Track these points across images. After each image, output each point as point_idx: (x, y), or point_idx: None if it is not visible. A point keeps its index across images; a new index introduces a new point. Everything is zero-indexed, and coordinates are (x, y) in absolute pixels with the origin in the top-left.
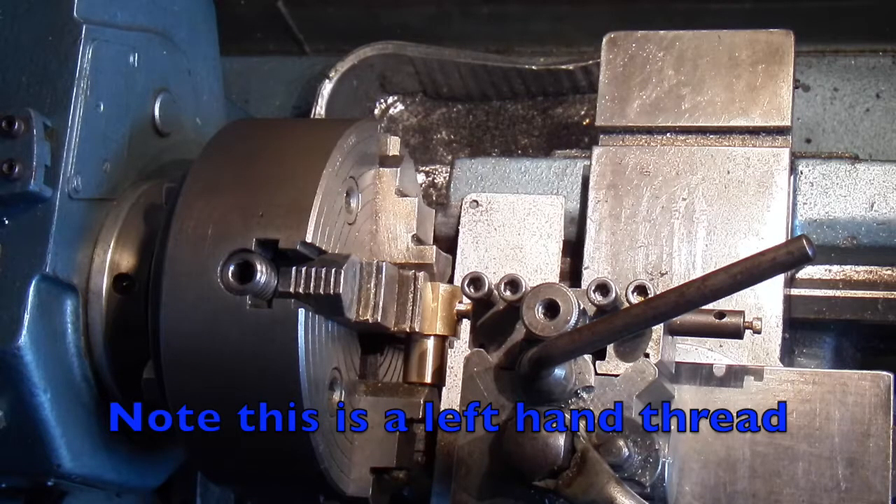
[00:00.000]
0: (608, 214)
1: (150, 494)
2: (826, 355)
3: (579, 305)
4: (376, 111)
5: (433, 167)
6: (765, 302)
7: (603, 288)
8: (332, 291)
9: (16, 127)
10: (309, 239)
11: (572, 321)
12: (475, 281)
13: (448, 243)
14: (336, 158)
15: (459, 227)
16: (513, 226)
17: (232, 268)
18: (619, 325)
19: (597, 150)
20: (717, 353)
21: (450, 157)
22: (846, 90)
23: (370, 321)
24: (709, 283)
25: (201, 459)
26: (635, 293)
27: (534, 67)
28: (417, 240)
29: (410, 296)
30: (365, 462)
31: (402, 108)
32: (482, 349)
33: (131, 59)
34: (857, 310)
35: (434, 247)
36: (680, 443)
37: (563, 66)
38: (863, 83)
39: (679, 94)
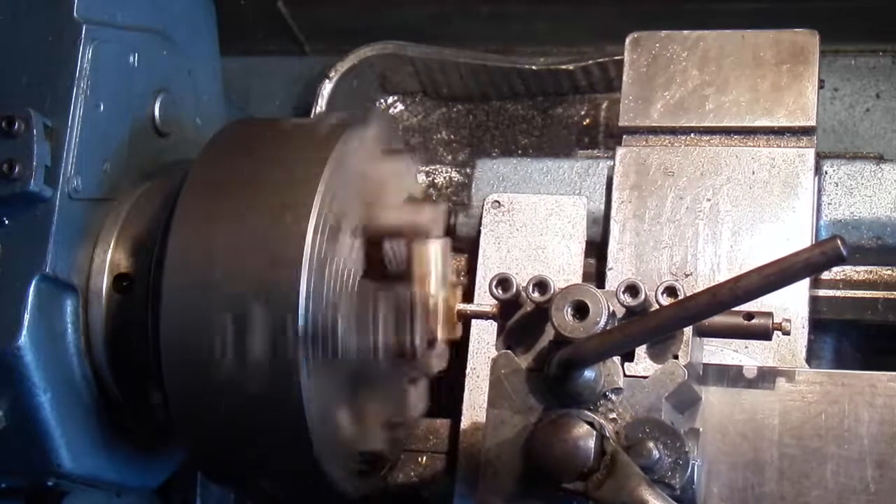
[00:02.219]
0: (632, 215)
1: (150, 494)
2: (826, 355)
3: (608, 307)
4: None
5: (433, 167)
6: (791, 303)
7: (632, 289)
8: None
9: (16, 127)
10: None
11: (601, 323)
12: (503, 282)
13: (470, 244)
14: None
15: (481, 228)
16: (535, 226)
17: None
18: (651, 327)
19: (620, 151)
20: (741, 355)
21: (450, 157)
22: (846, 90)
23: None
24: (741, 284)
25: (201, 459)
26: (665, 294)
27: (534, 67)
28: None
29: None
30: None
31: (402, 108)
32: (509, 351)
33: (131, 59)
34: (857, 310)
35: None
36: (708, 444)
37: (563, 66)
38: (863, 83)
39: (703, 94)
